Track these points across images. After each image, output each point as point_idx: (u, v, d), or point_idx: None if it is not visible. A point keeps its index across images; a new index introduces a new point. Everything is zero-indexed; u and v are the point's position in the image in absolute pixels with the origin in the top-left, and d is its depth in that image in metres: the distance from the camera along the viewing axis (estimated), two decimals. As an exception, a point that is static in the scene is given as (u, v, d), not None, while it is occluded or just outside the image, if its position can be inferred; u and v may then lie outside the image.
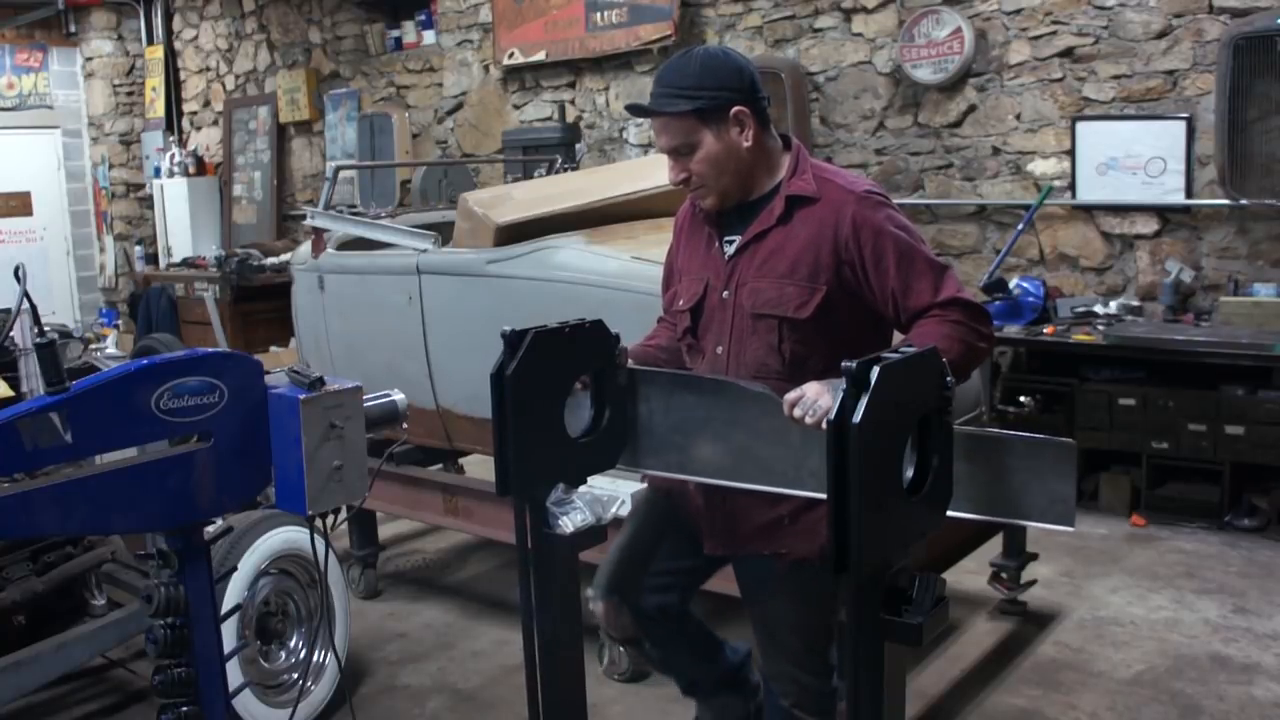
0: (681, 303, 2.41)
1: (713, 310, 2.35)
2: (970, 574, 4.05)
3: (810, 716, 2.43)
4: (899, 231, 2.21)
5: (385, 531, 4.81)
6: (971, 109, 5.80)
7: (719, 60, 2.23)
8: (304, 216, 4.86)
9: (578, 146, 6.89)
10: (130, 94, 10.74)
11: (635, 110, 2.32)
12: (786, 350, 2.26)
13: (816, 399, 1.98)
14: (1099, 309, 5.30)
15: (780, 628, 2.39)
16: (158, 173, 10.32)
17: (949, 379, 1.89)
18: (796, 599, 2.35)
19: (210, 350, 1.90)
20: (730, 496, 2.31)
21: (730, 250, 2.33)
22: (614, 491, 3.24)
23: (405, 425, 2.14)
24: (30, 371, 3.55)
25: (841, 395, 1.91)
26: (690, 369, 2.43)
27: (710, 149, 2.22)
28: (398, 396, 2.10)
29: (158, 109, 10.56)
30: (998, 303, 5.36)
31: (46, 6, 9.86)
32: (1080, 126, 5.44)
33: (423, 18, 8.35)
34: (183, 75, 10.55)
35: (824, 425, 1.88)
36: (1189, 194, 5.19)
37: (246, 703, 3.07)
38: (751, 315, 2.28)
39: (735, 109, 2.21)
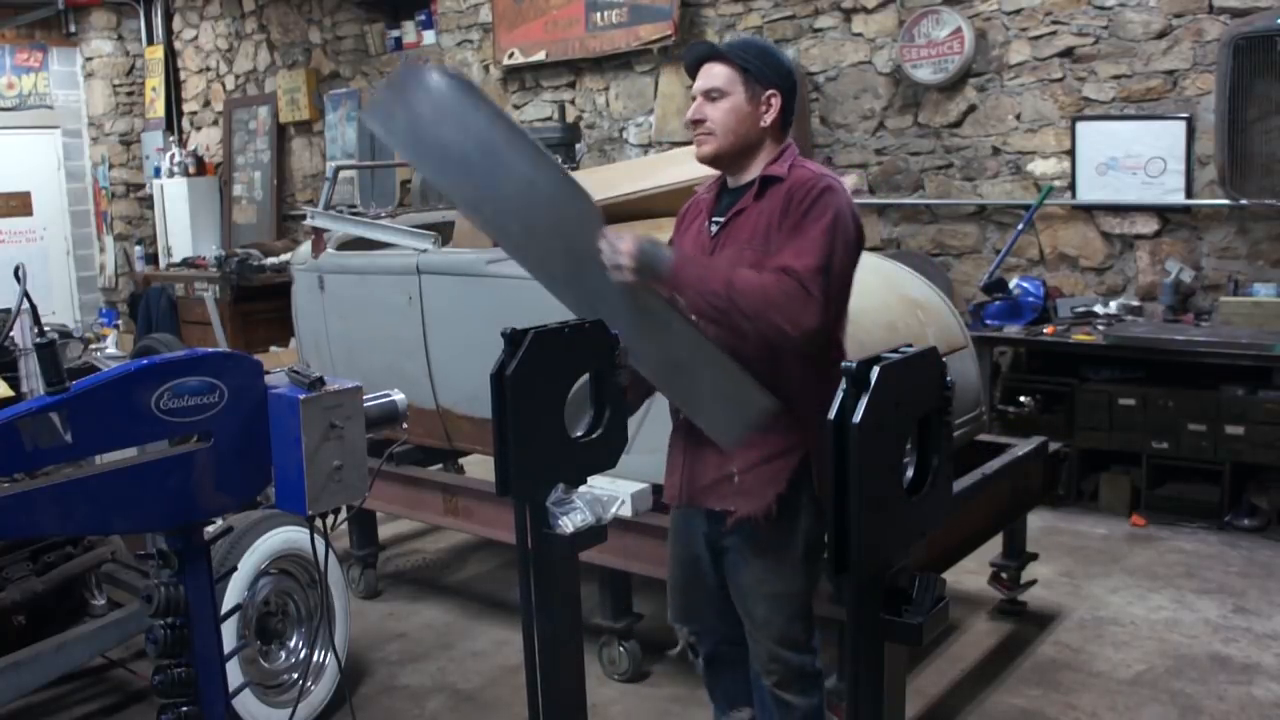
0: None
1: None
2: (970, 574, 4.05)
3: (792, 696, 2.45)
4: (825, 214, 2.31)
5: (385, 531, 4.81)
6: (971, 109, 5.80)
7: (779, 54, 2.52)
8: (304, 216, 4.86)
9: (578, 146, 6.87)
10: (130, 94, 10.73)
11: (699, 48, 2.47)
12: None
13: (615, 255, 2.26)
14: (1099, 309, 5.30)
15: (749, 596, 2.46)
16: (158, 173, 10.31)
17: (947, 377, 1.90)
18: (754, 561, 2.43)
19: (210, 350, 1.90)
20: (691, 450, 2.47)
21: (714, 230, 2.50)
22: (614, 491, 3.24)
23: (405, 425, 2.15)
24: (30, 371, 3.55)
25: (647, 257, 2.24)
26: None
27: (736, 103, 2.41)
28: (398, 396, 2.11)
29: (158, 109, 10.56)
30: (998, 303, 5.36)
31: (46, 6, 9.86)
32: (1080, 126, 5.43)
33: (423, 18, 8.34)
34: (183, 75, 10.54)
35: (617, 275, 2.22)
36: (1189, 194, 5.19)
37: (246, 703, 3.07)
38: None
39: (769, 92, 2.43)
